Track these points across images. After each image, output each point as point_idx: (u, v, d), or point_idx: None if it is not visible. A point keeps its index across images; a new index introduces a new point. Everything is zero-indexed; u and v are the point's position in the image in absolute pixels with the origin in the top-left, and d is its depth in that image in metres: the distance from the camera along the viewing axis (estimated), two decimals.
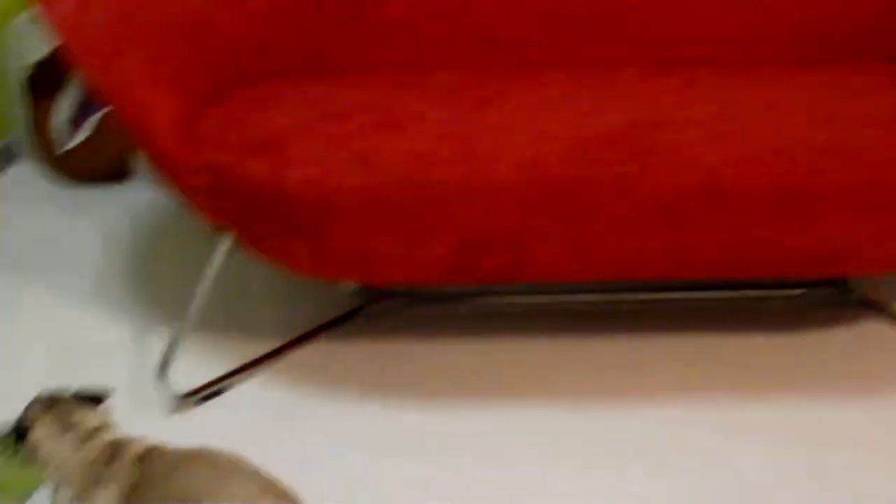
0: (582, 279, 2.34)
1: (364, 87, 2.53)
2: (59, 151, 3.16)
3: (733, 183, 2.20)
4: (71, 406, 1.89)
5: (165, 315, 2.66)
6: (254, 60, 2.63)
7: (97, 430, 1.86)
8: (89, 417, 1.88)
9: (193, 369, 2.44)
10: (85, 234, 3.01)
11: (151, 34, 2.37)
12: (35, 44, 3.08)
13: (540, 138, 2.28)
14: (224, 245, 2.34)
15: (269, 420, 2.30)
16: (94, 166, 3.21)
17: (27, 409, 1.90)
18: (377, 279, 2.36)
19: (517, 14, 2.71)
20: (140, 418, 2.30)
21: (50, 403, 1.89)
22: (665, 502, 2.07)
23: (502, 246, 2.26)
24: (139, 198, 3.19)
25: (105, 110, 3.12)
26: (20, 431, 1.90)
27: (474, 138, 2.28)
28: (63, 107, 3.12)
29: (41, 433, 1.87)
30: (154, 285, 2.78)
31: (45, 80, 3.14)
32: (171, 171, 2.29)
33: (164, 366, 2.36)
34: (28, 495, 2.14)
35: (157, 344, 2.53)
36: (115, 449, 1.82)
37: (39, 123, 3.19)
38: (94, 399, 1.92)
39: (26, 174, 3.32)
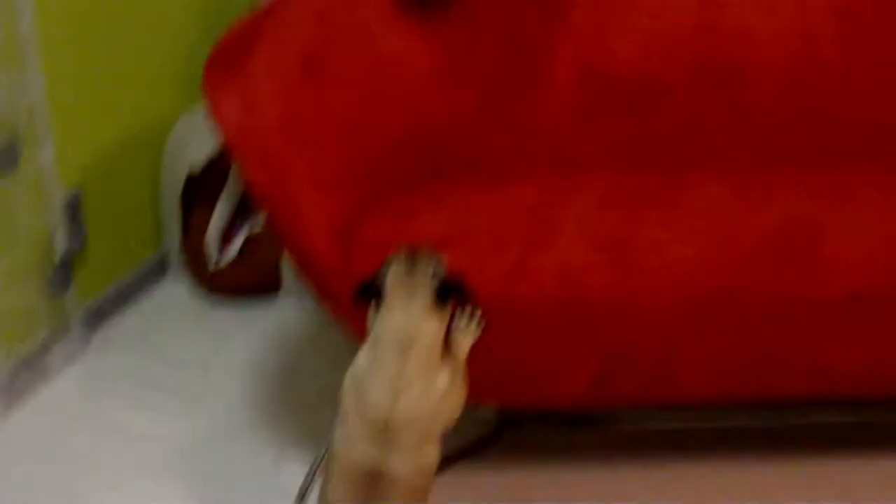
0: (727, 398, 2.27)
1: (521, 192, 2.45)
2: (212, 268, 3.13)
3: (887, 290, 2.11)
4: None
5: (307, 440, 2.58)
6: (413, 163, 2.58)
7: None
8: None
9: None
10: (228, 357, 2.96)
11: (315, 137, 2.35)
12: (195, 151, 3.09)
13: (698, 245, 2.21)
14: None
15: None
16: (245, 281, 3.19)
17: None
18: (517, 402, 2.32)
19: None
20: None
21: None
22: None
23: (648, 362, 2.18)
24: (288, 315, 3.14)
25: (255, 224, 3.10)
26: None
27: (629, 248, 2.21)
28: (216, 221, 3.10)
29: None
30: (296, 408, 2.72)
31: (200, 191, 3.15)
32: (324, 281, 2.24)
33: (303, 495, 2.27)
34: None
35: (298, 472, 2.44)
36: None
37: (191, 236, 3.19)
38: None
39: (177, 289, 3.29)
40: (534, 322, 2.17)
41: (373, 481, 1.91)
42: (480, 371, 2.18)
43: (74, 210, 2.92)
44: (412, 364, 1.93)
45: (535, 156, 2.63)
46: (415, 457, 1.93)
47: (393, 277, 1.97)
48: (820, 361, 2.18)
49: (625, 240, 2.23)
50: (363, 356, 1.99)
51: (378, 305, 1.98)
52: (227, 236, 3.13)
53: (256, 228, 3.12)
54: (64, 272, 2.90)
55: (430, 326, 1.95)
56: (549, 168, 2.60)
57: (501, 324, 2.14)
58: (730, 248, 2.19)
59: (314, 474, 2.27)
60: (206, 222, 3.10)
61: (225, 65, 2.32)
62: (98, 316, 3.07)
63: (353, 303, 2.05)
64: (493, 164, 2.63)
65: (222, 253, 3.13)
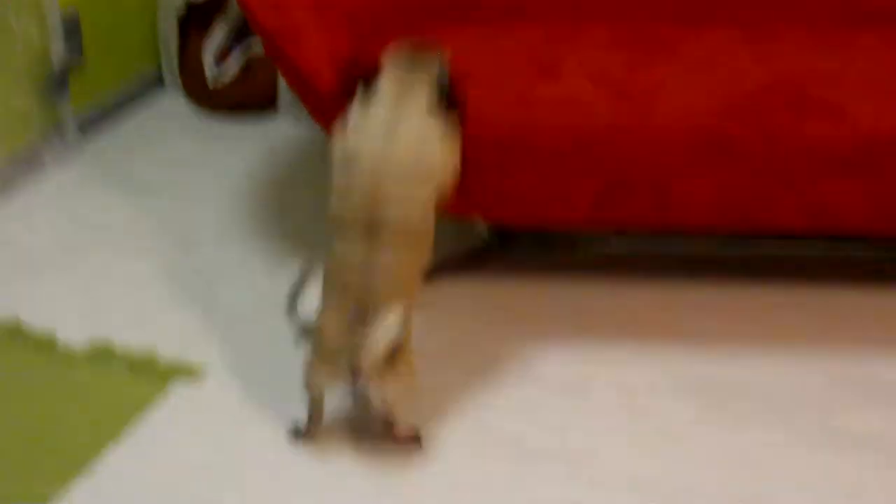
0: (721, 227, 2.31)
1: (521, 37, 2.47)
2: (211, 86, 3.16)
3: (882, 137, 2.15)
4: None
5: (299, 246, 2.64)
6: (417, 6, 2.57)
7: None
8: None
9: None
10: (223, 164, 3.00)
11: None
12: None
13: (696, 89, 2.24)
14: None
15: None
16: (240, 99, 3.21)
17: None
18: (519, 220, 2.35)
19: None
20: (268, 350, 2.29)
21: None
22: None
23: (646, 189, 2.23)
24: (283, 131, 3.17)
25: (253, 45, 3.12)
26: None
27: (630, 87, 2.25)
28: (214, 42, 3.13)
29: None
30: (289, 217, 2.76)
31: (199, 15, 3.15)
32: (325, 109, 2.25)
33: (294, 297, 2.30)
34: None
35: (288, 275, 2.49)
36: None
37: (190, 57, 3.20)
38: None
39: (174, 105, 3.31)
40: (538, 147, 2.20)
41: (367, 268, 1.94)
42: (486, 190, 2.24)
43: (72, 26, 2.96)
44: (408, 109, 1.99)
45: (536, 4, 2.63)
46: (409, 203, 1.96)
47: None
48: (815, 200, 2.23)
49: (624, 78, 2.26)
50: (353, 114, 2.02)
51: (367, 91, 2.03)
52: (224, 55, 3.14)
53: (254, 50, 3.13)
54: (60, 81, 2.96)
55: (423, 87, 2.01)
56: (558, 14, 2.62)
57: (508, 148, 2.19)
58: (728, 92, 2.22)
59: (304, 280, 2.29)
60: (203, 44, 3.13)
61: None
62: (94, 122, 3.12)
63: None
64: (496, 8, 2.62)
65: (220, 71, 3.14)
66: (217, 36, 3.13)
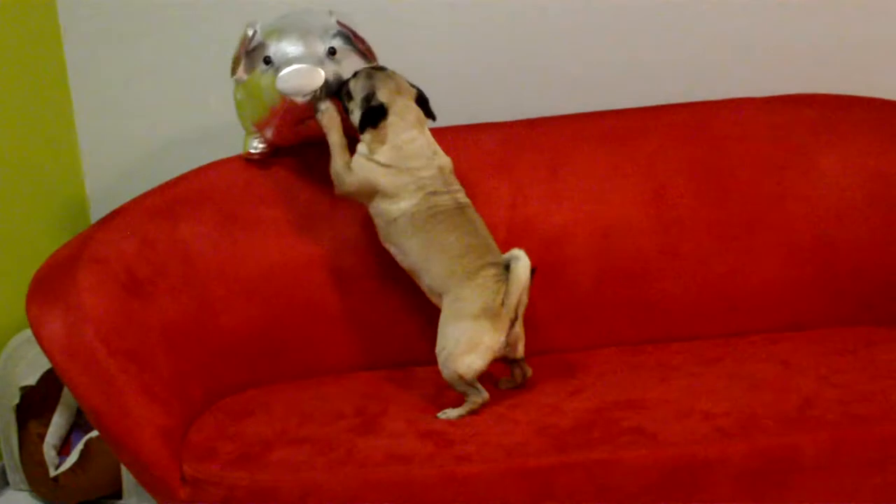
0: None
1: (347, 389, 2.64)
2: (51, 475, 3.15)
3: (703, 460, 2.25)
4: None
5: None
6: (241, 368, 2.74)
7: None
8: None
9: None
10: None
11: (141, 350, 2.48)
12: (27, 367, 3.14)
13: (514, 428, 2.36)
14: None
15: None
16: (85, 488, 3.19)
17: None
18: None
19: None
20: None
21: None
22: None
23: None
24: None
25: (93, 432, 3.15)
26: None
27: (450, 434, 2.36)
28: (53, 430, 3.16)
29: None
30: None
31: (36, 405, 3.18)
32: (158, 486, 2.35)
33: None
34: None
35: None
36: None
37: (29, 449, 3.20)
38: None
39: (19, 499, 3.26)
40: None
41: None
42: None
43: None
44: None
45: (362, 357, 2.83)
46: None
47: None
48: None
49: (447, 430, 2.38)
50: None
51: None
52: (65, 443, 3.18)
53: (94, 433, 3.16)
54: None
55: None
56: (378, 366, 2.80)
57: None
58: (548, 429, 2.34)
59: None
60: (44, 433, 3.16)
61: (49, 284, 2.46)
62: None
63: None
64: (325, 364, 2.81)
65: (61, 460, 3.15)
66: (57, 422, 3.15)
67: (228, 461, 2.34)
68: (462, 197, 2.65)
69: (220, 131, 3.16)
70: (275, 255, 2.83)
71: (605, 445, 2.28)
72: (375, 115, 2.57)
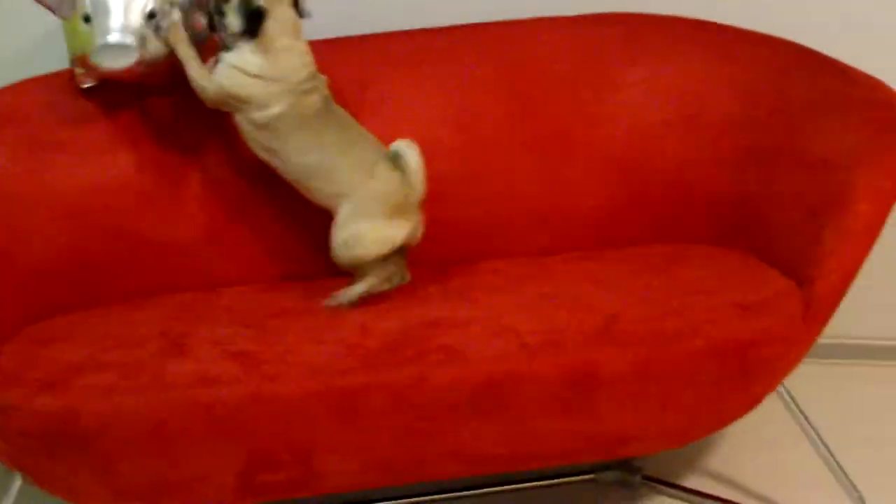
0: (374, 486, 2.39)
1: (156, 312, 2.61)
2: None
3: (511, 377, 2.28)
4: None
5: None
6: (52, 294, 2.69)
7: None
8: None
9: None
10: None
11: None
12: None
13: (322, 349, 2.36)
14: (15, 486, 2.34)
15: None
16: None
17: None
18: None
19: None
20: None
21: None
22: None
23: (289, 460, 2.29)
24: None
25: None
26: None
27: (259, 355, 2.35)
28: None
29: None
30: None
31: None
32: None
33: None
34: None
35: None
36: None
37: None
38: None
39: None
40: (173, 428, 2.25)
41: None
42: (132, 483, 2.29)
43: None
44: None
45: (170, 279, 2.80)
46: None
47: None
48: (456, 446, 2.34)
49: (256, 351, 2.37)
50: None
51: None
52: None
53: None
54: None
55: None
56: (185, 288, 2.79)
57: (142, 435, 2.25)
58: (356, 348, 2.35)
59: None
60: None
61: None
62: None
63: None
64: (136, 287, 2.77)
65: None
66: None
67: (33, 388, 2.30)
68: (326, 90, 2.62)
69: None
70: (83, 178, 2.77)
71: (415, 364, 2.29)
72: (256, 19, 2.48)
